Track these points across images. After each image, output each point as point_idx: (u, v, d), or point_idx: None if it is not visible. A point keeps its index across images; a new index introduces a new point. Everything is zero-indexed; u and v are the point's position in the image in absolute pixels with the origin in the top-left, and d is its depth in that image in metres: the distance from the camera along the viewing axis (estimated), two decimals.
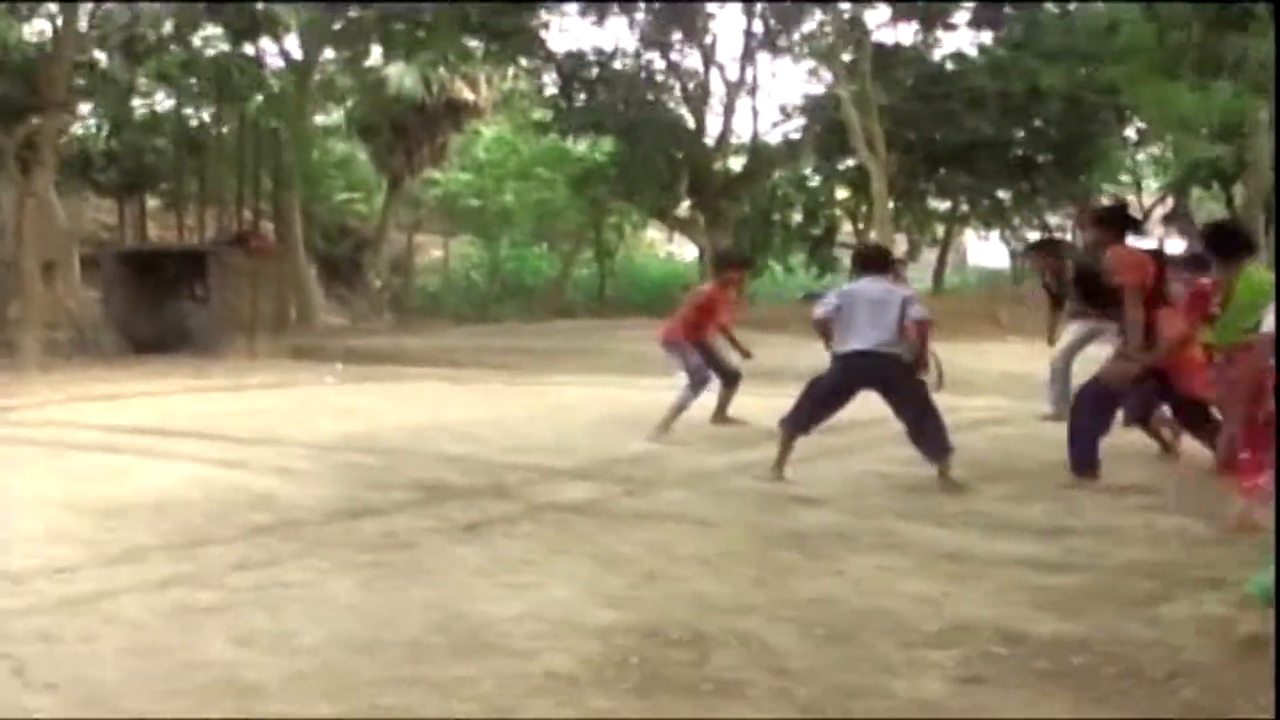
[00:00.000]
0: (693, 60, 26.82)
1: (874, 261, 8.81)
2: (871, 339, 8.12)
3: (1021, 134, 31.34)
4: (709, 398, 10.91)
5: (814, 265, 39.71)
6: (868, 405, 8.62)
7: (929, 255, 46.08)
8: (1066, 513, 7.12)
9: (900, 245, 39.41)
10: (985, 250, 50.48)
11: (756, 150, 28.90)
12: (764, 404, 11.03)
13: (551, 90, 27.74)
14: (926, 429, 8.17)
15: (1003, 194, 36.29)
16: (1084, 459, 8.04)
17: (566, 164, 36.57)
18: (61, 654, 4.60)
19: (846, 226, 41.96)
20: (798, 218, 37.18)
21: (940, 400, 8.50)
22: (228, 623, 4.95)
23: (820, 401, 8.44)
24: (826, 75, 32.86)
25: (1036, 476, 8.27)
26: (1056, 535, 6.56)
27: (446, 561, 6.00)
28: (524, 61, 28.01)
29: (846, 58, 30.92)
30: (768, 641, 4.74)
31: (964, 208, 38.16)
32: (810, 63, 31.80)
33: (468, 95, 34.80)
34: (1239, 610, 4.93)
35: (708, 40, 26.15)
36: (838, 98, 21.21)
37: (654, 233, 45.57)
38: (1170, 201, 34.84)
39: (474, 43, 28.31)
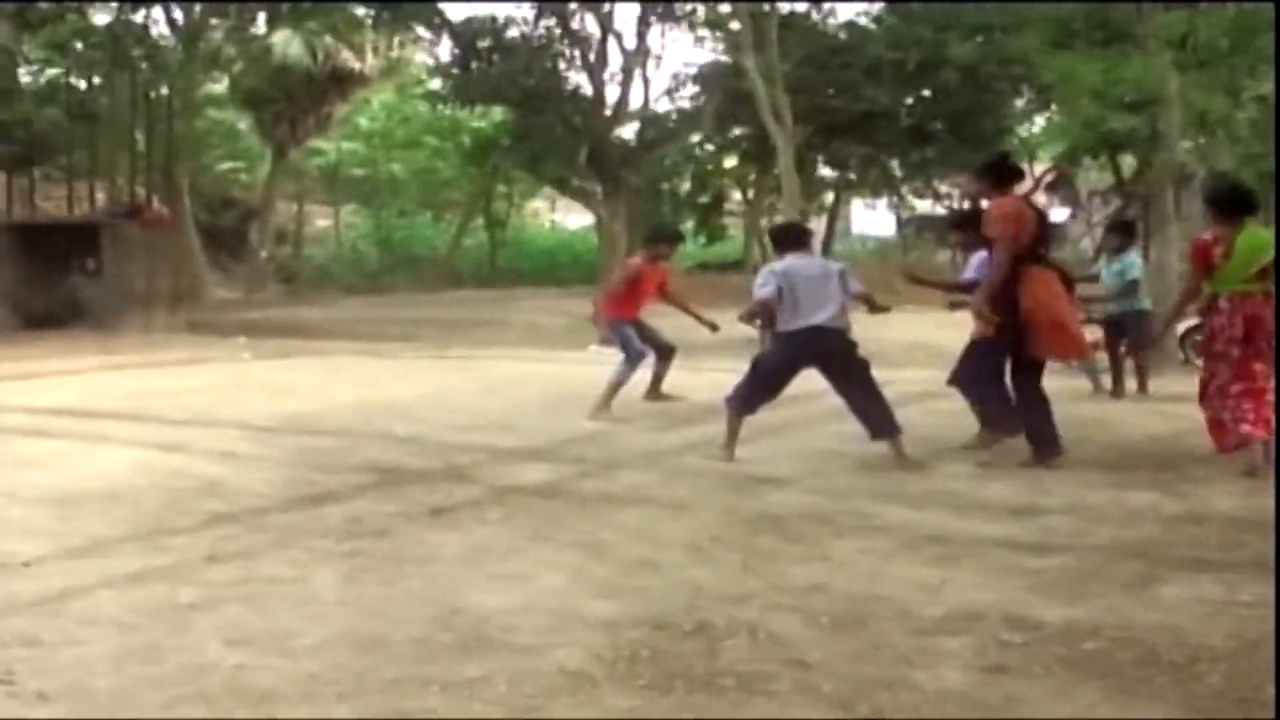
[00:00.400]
0: (591, 28, 26.52)
1: (797, 238, 8.77)
2: (821, 316, 8.08)
3: (916, 103, 31.56)
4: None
5: (702, 234, 39.96)
6: (798, 381, 8.59)
7: (815, 224, 46.44)
8: (1033, 490, 7.14)
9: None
10: (871, 219, 50.98)
11: (654, 119, 28.76)
12: (686, 378, 11.03)
13: (446, 59, 27.25)
14: (871, 406, 8.16)
15: (894, 163, 36.68)
16: (1006, 420, 8.15)
17: (458, 133, 36.25)
18: (49, 660, 4.37)
19: (736, 194, 42.28)
20: (686, 186, 37.33)
21: None
22: (217, 622, 4.76)
23: (768, 381, 8.38)
24: (722, 44, 33.06)
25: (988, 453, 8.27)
26: (1030, 514, 6.57)
27: (426, 550, 5.85)
28: (420, 30, 27.51)
29: (735, 26, 31.00)
30: (775, 631, 4.66)
31: (851, 176, 38.52)
32: (704, 31, 31.85)
33: (354, 64, 34.30)
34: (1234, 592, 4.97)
35: (604, 8, 25.88)
36: (741, 67, 21.04)
37: (538, 202, 45.35)
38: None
39: (362, 10, 27.80)
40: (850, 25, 33.11)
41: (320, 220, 40.85)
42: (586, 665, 4.31)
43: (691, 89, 31.50)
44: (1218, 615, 4.78)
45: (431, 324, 22.89)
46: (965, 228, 9.74)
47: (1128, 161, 34.76)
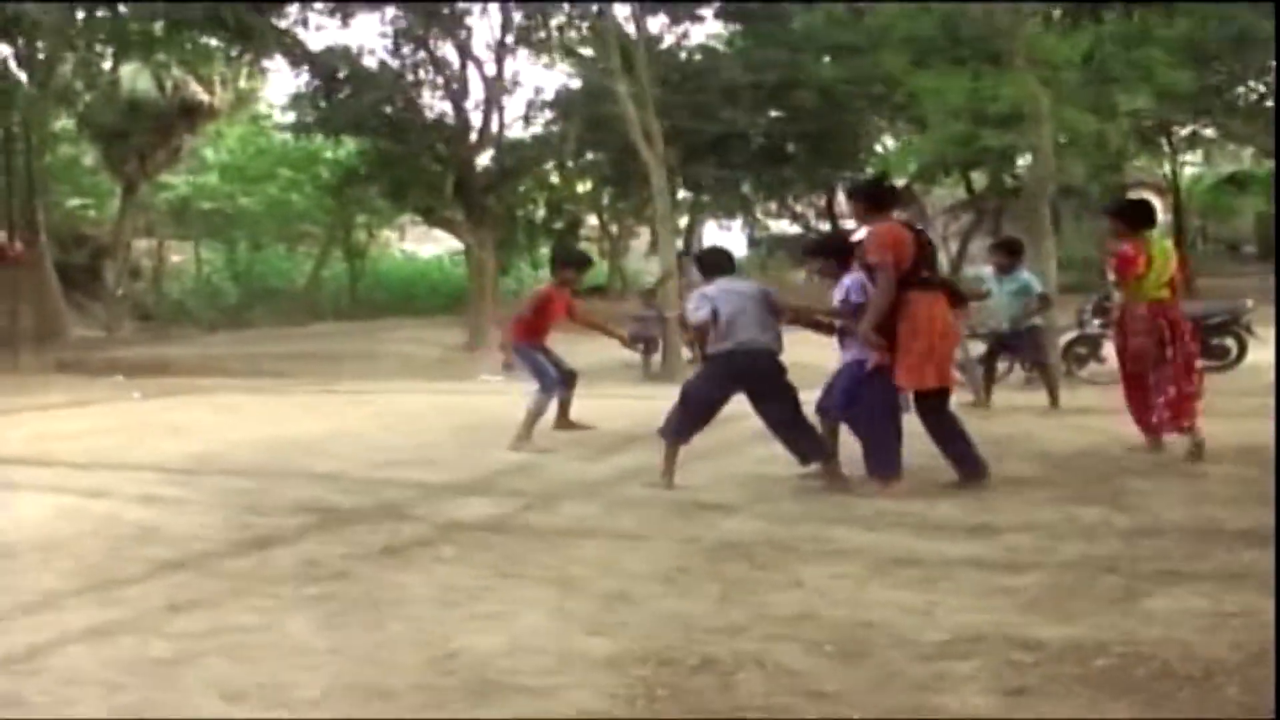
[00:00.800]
0: (451, 55, 26.36)
1: (724, 262, 8.71)
2: (760, 337, 8.09)
3: (774, 123, 31.84)
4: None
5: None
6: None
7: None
8: (981, 509, 7.18)
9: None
10: (724, 240, 51.25)
11: (513, 146, 28.66)
12: (582, 405, 10.96)
13: (302, 89, 26.75)
14: (799, 432, 8.17)
15: (747, 184, 36.99)
16: (888, 461, 7.90)
17: (314, 164, 35.83)
18: None
19: (592, 220, 42.38)
20: (541, 213, 37.30)
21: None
22: (204, 676, 4.57)
23: (700, 408, 8.33)
24: (576, 70, 33.06)
25: (916, 474, 8.19)
26: (988, 533, 6.61)
27: (395, 592, 5.69)
28: (279, 61, 27.05)
29: (587, 52, 31.03)
30: (782, 663, 4.61)
31: (705, 198, 38.77)
32: (560, 56, 31.88)
33: (203, 96, 33.73)
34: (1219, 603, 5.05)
35: (463, 35, 25.74)
36: (612, 91, 20.99)
37: (386, 232, 44.87)
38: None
39: (215, 42, 27.28)
40: (704, 48, 33.40)
41: (175, 255, 40.01)
42: (606, 706, 4.23)
43: (548, 114, 31.49)
44: (1215, 627, 4.84)
45: (302, 358, 22.51)
46: (821, 254, 9.71)
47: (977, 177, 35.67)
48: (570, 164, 31.65)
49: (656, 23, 29.69)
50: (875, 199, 8.25)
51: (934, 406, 8.08)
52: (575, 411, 10.99)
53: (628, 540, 6.65)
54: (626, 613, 5.31)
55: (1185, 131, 33.16)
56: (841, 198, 41.69)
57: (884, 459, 7.84)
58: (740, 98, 29.95)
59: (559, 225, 38.70)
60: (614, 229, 43.64)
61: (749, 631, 4.99)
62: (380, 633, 5.07)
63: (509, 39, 25.70)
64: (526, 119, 30.04)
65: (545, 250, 39.79)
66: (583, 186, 38.09)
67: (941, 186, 42.02)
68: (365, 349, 24.04)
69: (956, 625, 4.98)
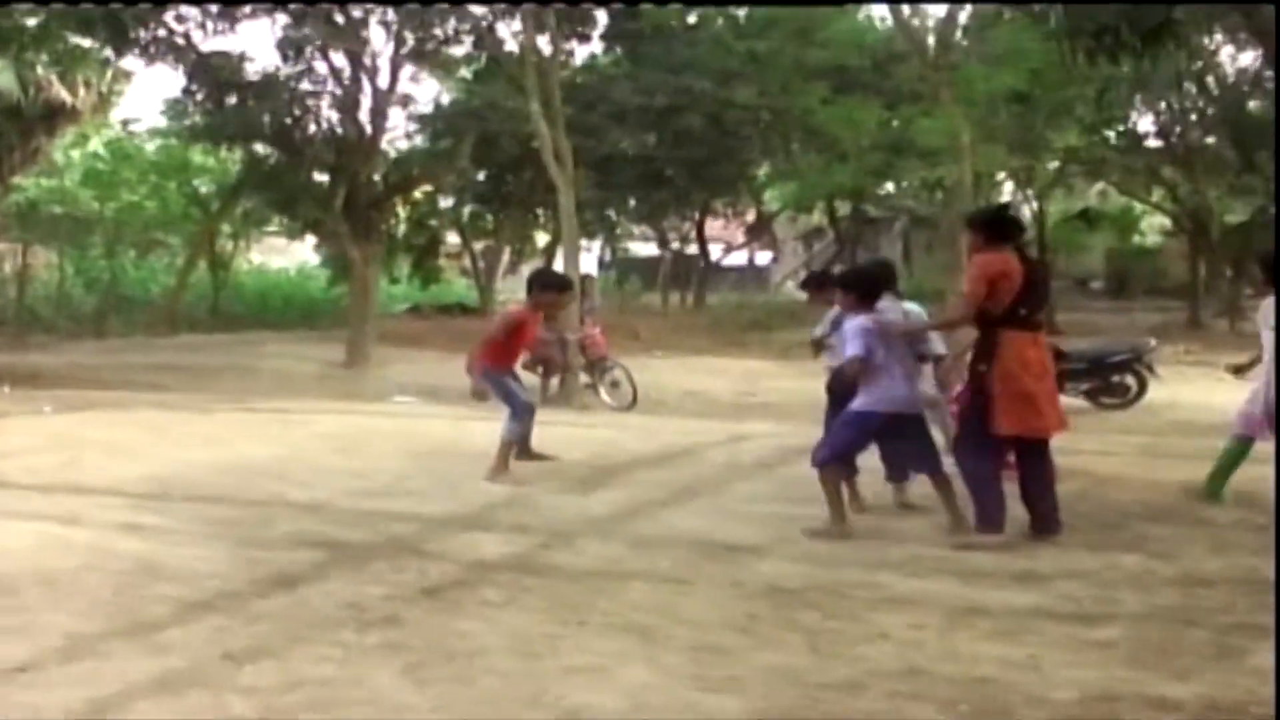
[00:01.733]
0: (342, 64, 25.73)
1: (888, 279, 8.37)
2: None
3: (658, 147, 31.87)
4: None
5: (416, 277, 39.56)
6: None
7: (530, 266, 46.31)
8: (1013, 556, 7.04)
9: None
10: (582, 260, 50.95)
11: (399, 160, 28.18)
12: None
13: (182, 95, 25.88)
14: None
15: (612, 208, 37.02)
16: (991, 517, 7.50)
17: (186, 171, 34.88)
18: None
19: (452, 238, 41.89)
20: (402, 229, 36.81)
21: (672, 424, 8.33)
22: None
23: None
24: (458, 87, 32.63)
25: (926, 514, 8.10)
26: (1038, 581, 6.48)
27: (466, 641, 5.35)
28: (148, 64, 26.10)
29: (466, 72, 30.65)
30: None
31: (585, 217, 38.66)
32: (446, 72, 31.38)
33: (66, 98, 32.50)
34: None
35: (357, 47, 25.16)
36: (516, 110, 20.69)
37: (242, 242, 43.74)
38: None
39: (87, 42, 26.29)
40: (590, 68, 33.20)
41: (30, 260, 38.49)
42: None
43: (433, 129, 31.07)
44: None
45: (176, 371, 21.80)
46: (818, 287, 9.60)
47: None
48: (456, 180, 31.16)
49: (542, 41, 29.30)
50: (996, 228, 7.67)
51: (1033, 452, 7.64)
52: (454, 431, 10.59)
53: (672, 584, 6.38)
54: (726, 666, 5.06)
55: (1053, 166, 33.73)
56: (711, 221, 42.05)
57: (988, 512, 7.41)
58: (627, 119, 29.86)
59: (419, 242, 38.34)
60: (477, 247, 43.20)
61: (869, 690, 4.79)
62: (475, 688, 4.77)
63: (402, 50, 25.08)
64: (408, 135, 29.56)
65: (406, 266, 39.55)
66: (445, 202, 37.74)
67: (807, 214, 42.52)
68: (238, 363, 23.35)
69: (1073, 681, 4.86)
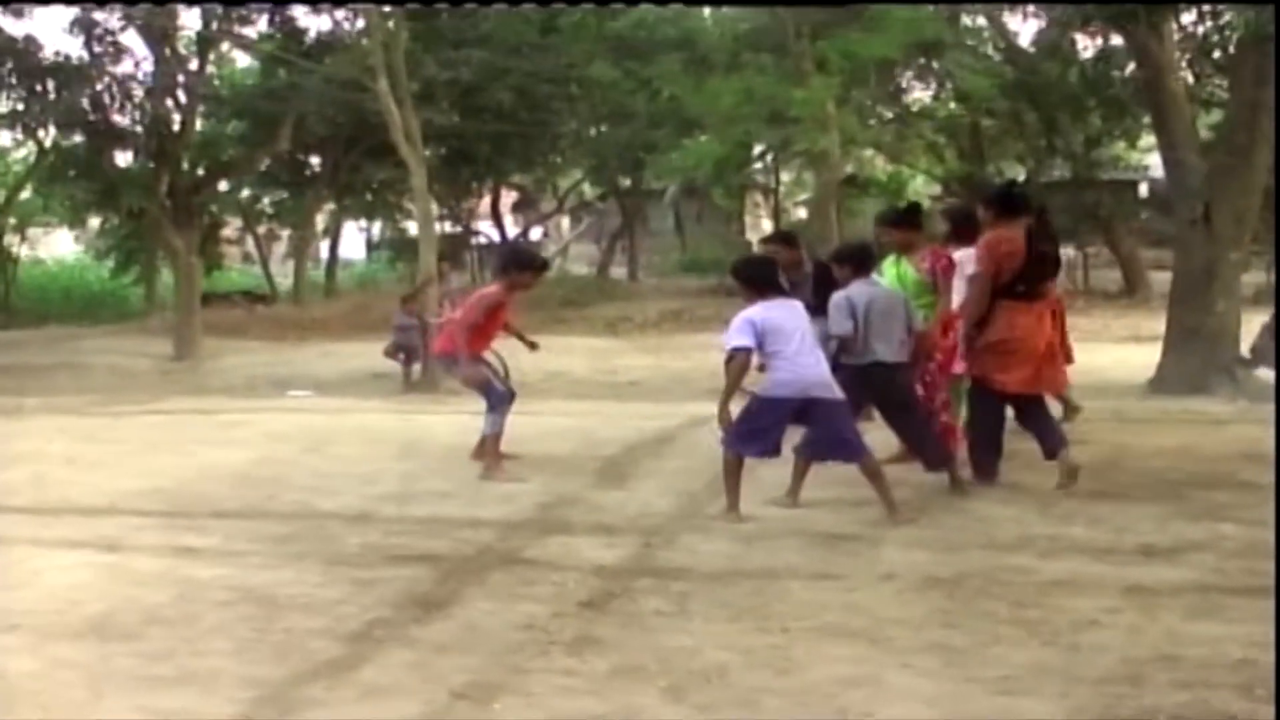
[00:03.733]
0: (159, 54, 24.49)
1: (866, 260, 8.43)
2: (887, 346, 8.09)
3: (465, 124, 31.26)
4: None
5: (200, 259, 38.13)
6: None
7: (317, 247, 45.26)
8: (1110, 529, 7.06)
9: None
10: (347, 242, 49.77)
11: (207, 144, 27.02)
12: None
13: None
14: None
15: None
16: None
17: None
18: None
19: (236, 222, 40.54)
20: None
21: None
22: None
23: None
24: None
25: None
26: (1167, 556, 6.49)
27: (699, 659, 5.02)
28: None
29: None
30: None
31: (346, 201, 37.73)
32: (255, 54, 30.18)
33: None
34: None
35: (167, 28, 24.01)
36: (372, 89, 19.73)
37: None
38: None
39: None
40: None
41: None
42: None
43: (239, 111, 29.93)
44: None
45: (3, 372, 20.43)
46: (779, 244, 9.86)
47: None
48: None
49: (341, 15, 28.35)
50: (1007, 205, 8.22)
51: (1029, 408, 8.32)
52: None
53: (827, 581, 6.16)
54: (988, 667, 4.89)
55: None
56: (506, 197, 41.49)
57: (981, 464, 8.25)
58: (435, 96, 29.16)
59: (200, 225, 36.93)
60: (260, 231, 41.90)
61: (1148, 681, 4.69)
62: (763, 709, 4.52)
63: (213, 28, 23.99)
64: (208, 116, 28.35)
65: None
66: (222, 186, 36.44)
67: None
68: (65, 361, 22.12)
69: None
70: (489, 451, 9.26)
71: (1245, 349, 13.47)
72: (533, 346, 10.27)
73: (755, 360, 7.51)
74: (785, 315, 7.46)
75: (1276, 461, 7.89)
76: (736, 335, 7.40)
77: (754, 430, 7.48)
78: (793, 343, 7.39)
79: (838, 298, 8.03)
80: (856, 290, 8.04)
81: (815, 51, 16.99)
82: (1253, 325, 13.47)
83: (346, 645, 5.31)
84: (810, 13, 17.23)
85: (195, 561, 6.72)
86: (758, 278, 7.70)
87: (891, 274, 9.11)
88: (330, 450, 10.34)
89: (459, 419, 11.56)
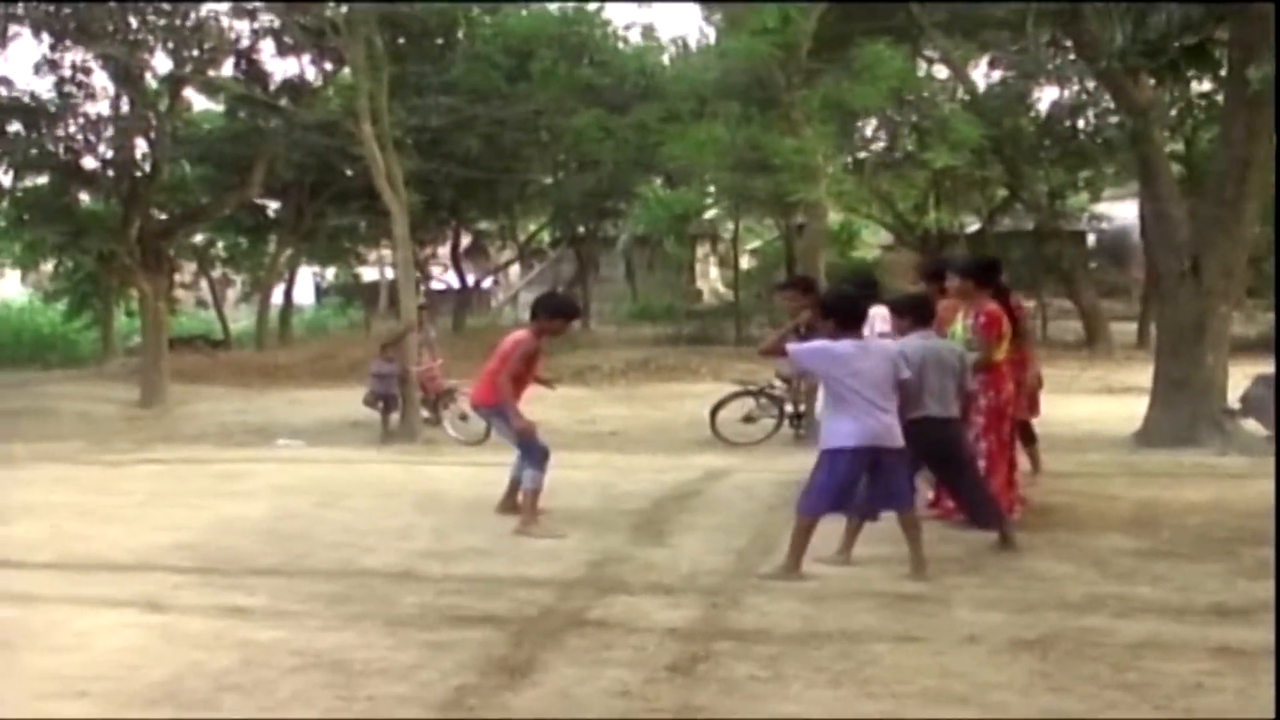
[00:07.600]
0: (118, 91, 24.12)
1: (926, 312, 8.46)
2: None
3: (431, 170, 31.09)
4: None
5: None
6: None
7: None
8: (1173, 588, 7.05)
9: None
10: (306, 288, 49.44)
11: (175, 187, 26.68)
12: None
13: None
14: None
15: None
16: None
17: None
18: None
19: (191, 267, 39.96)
20: None
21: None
22: None
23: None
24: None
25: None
26: (1242, 616, 6.45)
27: None
28: None
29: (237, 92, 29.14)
30: None
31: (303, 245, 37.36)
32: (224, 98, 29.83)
33: None
34: None
35: (137, 70, 23.66)
36: (339, 135, 19.51)
37: None
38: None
39: None
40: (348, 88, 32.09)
41: None
42: None
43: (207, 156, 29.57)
44: None
45: None
46: (795, 290, 10.39)
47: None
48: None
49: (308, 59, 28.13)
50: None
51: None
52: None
53: (913, 644, 6.05)
54: None
55: None
56: (465, 243, 41.22)
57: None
58: (402, 144, 28.96)
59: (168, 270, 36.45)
60: (215, 276, 41.35)
61: None
62: None
63: (184, 71, 23.66)
64: (175, 160, 28.00)
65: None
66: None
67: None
68: (30, 406, 21.65)
69: None
70: (527, 507, 9.08)
71: (1233, 399, 13.52)
72: (552, 386, 10.45)
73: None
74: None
75: (1276, 506, 7.95)
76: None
77: (838, 487, 7.40)
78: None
79: (892, 350, 7.88)
80: (912, 345, 7.94)
81: (802, 102, 16.95)
82: (1237, 378, 13.52)
83: (439, 713, 5.13)
84: (802, 61, 17.20)
85: (249, 622, 6.52)
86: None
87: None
88: (346, 504, 10.10)
89: (464, 471, 11.43)
